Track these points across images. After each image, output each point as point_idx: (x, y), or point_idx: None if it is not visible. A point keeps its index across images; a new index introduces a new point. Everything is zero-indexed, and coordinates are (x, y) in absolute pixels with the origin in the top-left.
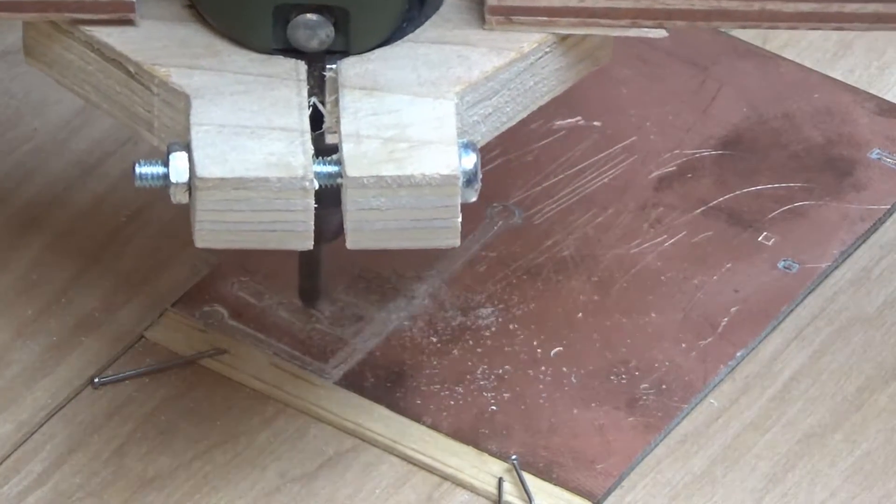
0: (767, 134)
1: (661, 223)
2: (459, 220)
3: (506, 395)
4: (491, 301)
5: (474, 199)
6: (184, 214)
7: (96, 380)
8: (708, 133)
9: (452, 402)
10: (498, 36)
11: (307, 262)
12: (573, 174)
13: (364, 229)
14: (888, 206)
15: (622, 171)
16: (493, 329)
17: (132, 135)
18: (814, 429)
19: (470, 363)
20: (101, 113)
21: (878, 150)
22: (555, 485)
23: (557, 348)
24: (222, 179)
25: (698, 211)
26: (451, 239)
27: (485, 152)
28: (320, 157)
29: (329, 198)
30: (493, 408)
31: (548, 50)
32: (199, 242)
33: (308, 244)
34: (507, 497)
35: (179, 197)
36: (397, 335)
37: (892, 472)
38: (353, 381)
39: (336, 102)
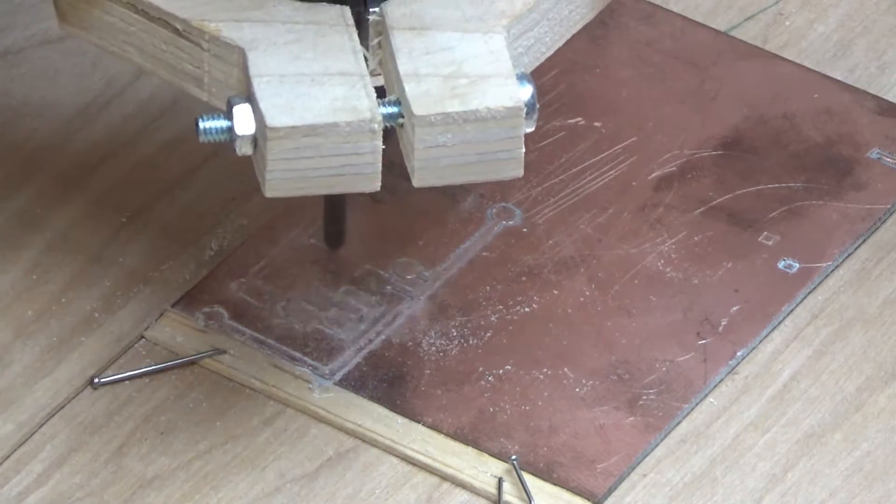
0: (767, 134)
1: (661, 223)
2: (523, 150)
3: (506, 395)
4: (491, 301)
5: (532, 129)
6: (184, 213)
7: (96, 380)
8: (708, 133)
9: (452, 402)
10: None
11: (332, 207)
12: (573, 175)
13: (431, 167)
14: (888, 206)
15: (622, 171)
16: (493, 329)
17: (179, 94)
18: (814, 429)
19: (470, 363)
20: (148, 76)
21: (877, 150)
22: (555, 485)
23: (557, 348)
24: (293, 128)
25: (698, 211)
26: (515, 170)
27: None
28: (379, 100)
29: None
30: (493, 408)
31: None
32: (270, 192)
33: (376, 185)
34: (506, 497)
35: (245, 149)
36: (397, 335)
37: (892, 472)
38: (353, 381)
39: (379, 46)
